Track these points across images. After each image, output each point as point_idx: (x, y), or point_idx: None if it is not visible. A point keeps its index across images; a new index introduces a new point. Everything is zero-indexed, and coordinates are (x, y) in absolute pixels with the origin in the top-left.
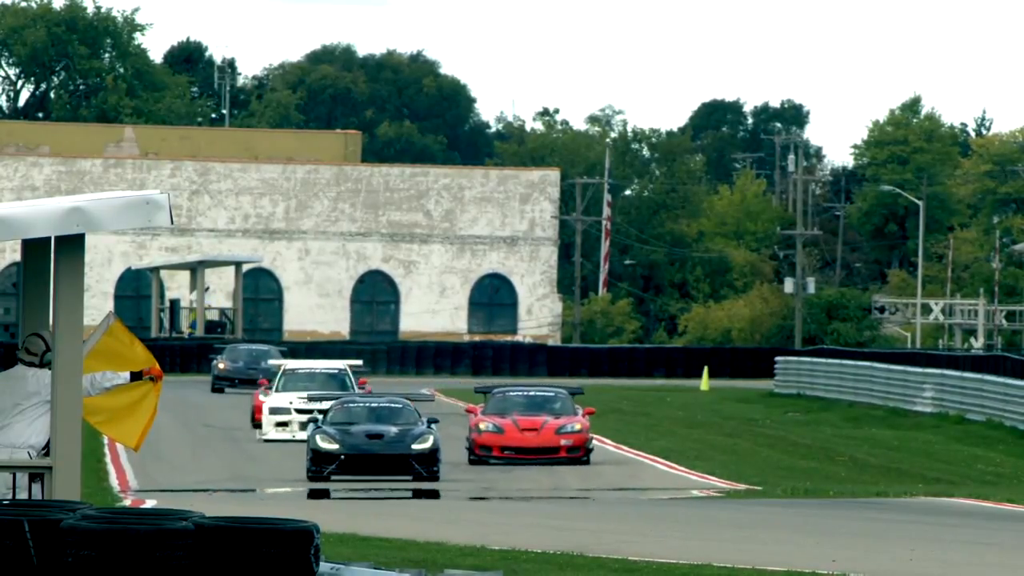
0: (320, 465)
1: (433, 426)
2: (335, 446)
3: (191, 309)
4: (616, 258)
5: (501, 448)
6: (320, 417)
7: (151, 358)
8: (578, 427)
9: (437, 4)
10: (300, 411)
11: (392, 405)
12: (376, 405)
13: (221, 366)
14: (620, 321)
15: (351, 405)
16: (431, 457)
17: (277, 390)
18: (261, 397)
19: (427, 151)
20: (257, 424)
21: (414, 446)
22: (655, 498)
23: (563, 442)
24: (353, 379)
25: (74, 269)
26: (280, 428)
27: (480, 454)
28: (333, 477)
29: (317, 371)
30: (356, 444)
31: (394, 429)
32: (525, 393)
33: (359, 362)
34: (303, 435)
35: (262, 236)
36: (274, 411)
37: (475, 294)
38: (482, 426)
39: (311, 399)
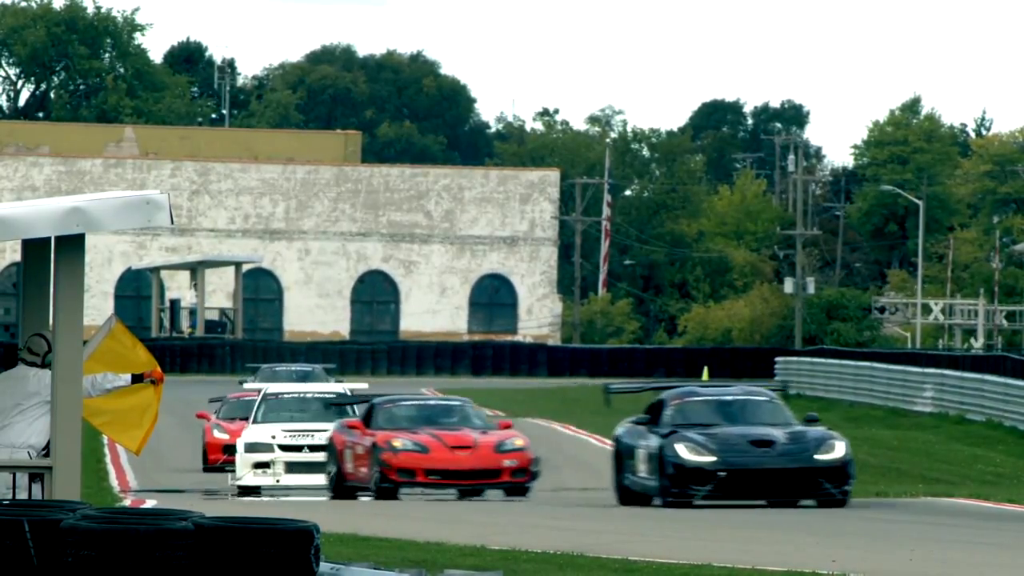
0: (686, 485)
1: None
2: (711, 458)
3: (191, 311)
4: (616, 258)
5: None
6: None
7: (152, 361)
8: (519, 443)
9: (437, 4)
10: (286, 448)
11: (754, 397)
12: (732, 398)
13: None
14: (620, 321)
15: (697, 398)
16: (842, 472)
17: (256, 421)
18: (216, 433)
19: (427, 151)
20: (213, 467)
21: (818, 456)
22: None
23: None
24: (356, 405)
25: (74, 269)
26: (259, 471)
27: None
28: (701, 502)
29: (309, 396)
30: (737, 456)
31: (779, 432)
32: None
33: (364, 386)
34: (294, 479)
35: (262, 236)
36: (252, 448)
37: (475, 294)
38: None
39: (295, 433)
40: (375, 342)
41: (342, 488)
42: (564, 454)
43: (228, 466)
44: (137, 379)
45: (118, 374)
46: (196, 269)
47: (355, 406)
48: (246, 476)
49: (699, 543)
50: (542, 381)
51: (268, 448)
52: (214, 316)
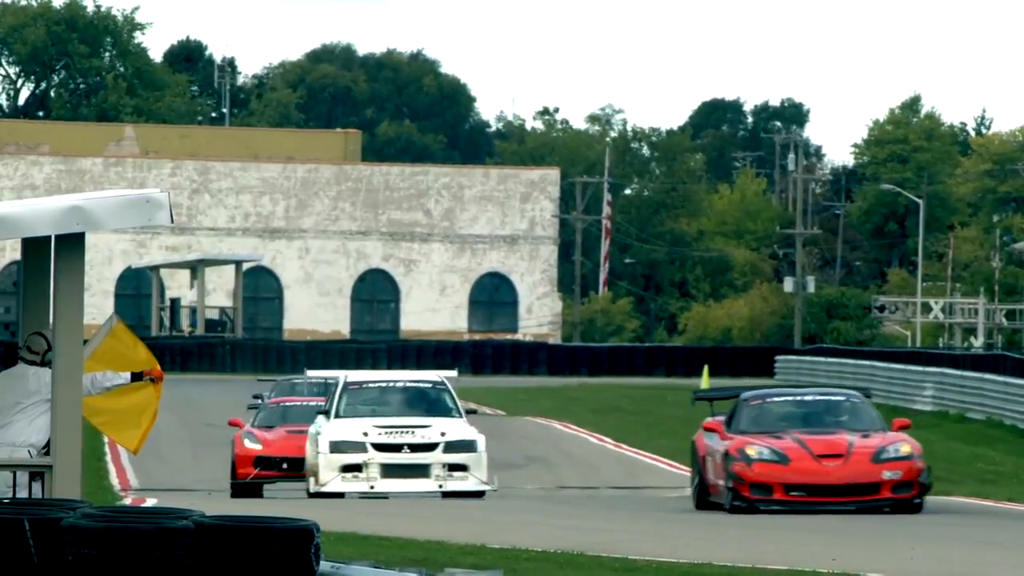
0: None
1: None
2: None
3: (192, 310)
4: (616, 257)
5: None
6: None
7: (153, 360)
8: (906, 449)
9: (437, 3)
10: (382, 447)
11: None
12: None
13: None
14: (620, 320)
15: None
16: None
17: (338, 414)
18: (248, 443)
19: (427, 150)
20: (244, 485)
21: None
22: (655, 497)
23: (886, 474)
24: (455, 397)
25: (74, 268)
26: (349, 475)
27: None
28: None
29: (400, 385)
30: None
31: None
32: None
33: (453, 373)
34: (391, 484)
35: (262, 235)
36: (338, 448)
37: (475, 293)
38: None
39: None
40: (375, 341)
41: (706, 502)
42: (564, 453)
43: (261, 482)
44: (137, 377)
45: (118, 372)
46: (196, 268)
47: (450, 392)
48: (332, 481)
49: (699, 542)
50: (542, 380)
51: (359, 448)
52: (214, 315)
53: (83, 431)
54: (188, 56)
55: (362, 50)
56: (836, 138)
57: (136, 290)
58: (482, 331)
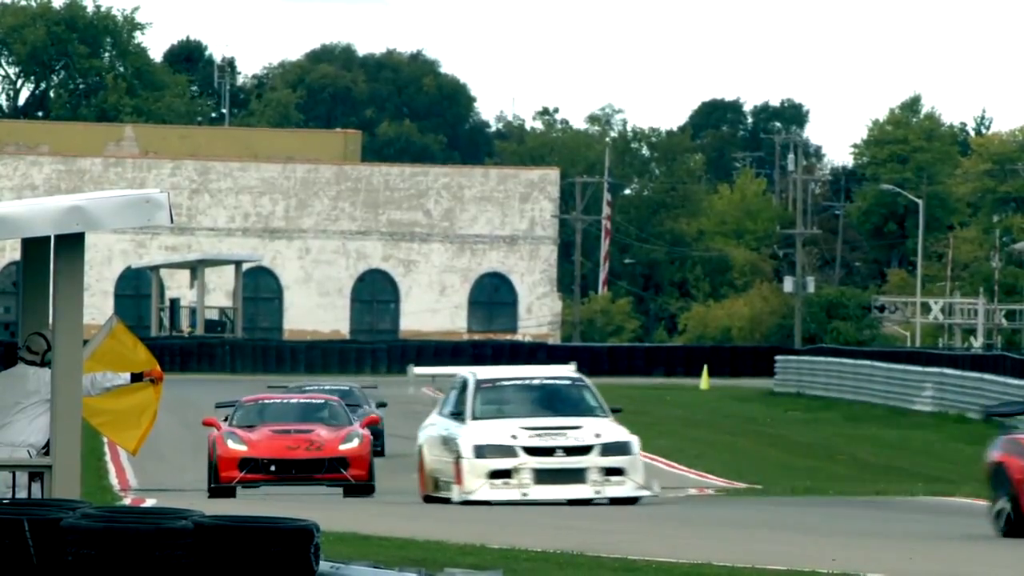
0: None
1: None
2: None
3: (191, 310)
4: (616, 257)
5: None
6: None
7: (153, 360)
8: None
9: (437, 3)
10: (533, 451)
11: None
12: None
13: None
14: (620, 320)
15: None
16: None
17: (475, 416)
18: (231, 444)
19: (427, 150)
20: (222, 488)
21: None
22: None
23: None
24: (597, 394)
25: (74, 268)
26: (498, 481)
27: None
28: None
29: (537, 382)
30: None
31: None
32: None
33: (572, 368)
34: (544, 491)
35: (262, 235)
36: (484, 452)
37: (475, 293)
38: None
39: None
40: (375, 341)
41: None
42: None
43: (245, 485)
44: (136, 378)
45: (118, 373)
46: (196, 268)
47: (591, 390)
48: (480, 489)
49: (699, 542)
50: None
51: (508, 452)
52: (214, 315)
53: (83, 431)
54: (188, 56)
55: (362, 50)
56: (836, 138)
57: (136, 290)
58: (482, 331)
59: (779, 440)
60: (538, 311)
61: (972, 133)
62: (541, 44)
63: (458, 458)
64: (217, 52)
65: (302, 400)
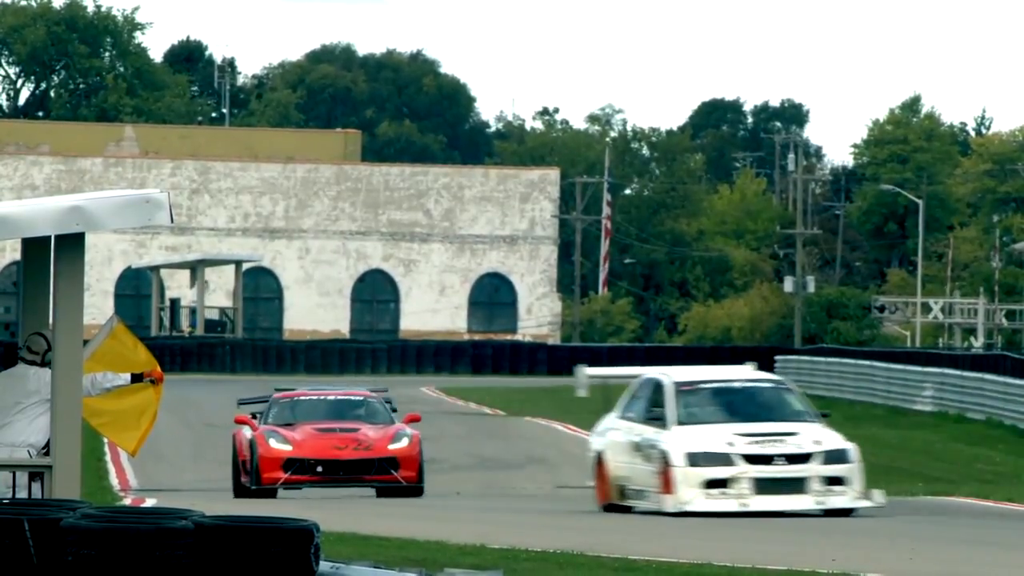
0: None
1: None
2: None
3: (191, 310)
4: (616, 257)
5: None
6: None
7: (153, 361)
8: None
9: (437, 3)
10: (752, 459)
11: None
12: None
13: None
14: (620, 320)
15: None
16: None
17: (680, 421)
18: (274, 443)
19: (427, 150)
20: (267, 488)
21: None
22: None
23: None
24: (803, 398)
25: (74, 268)
26: (716, 491)
27: None
28: None
29: (735, 385)
30: None
31: None
32: None
33: (749, 368)
34: (765, 502)
35: (262, 235)
36: (699, 460)
37: (475, 293)
38: None
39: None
40: (375, 341)
41: None
42: (564, 452)
43: (288, 487)
44: (137, 379)
45: (118, 373)
46: (196, 268)
47: (793, 393)
48: (695, 500)
49: (699, 542)
50: (542, 380)
51: (725, 460)
52: (214, 315)
53: (83, 431)
54: (188, 56)
55: (362, 50)
56: (836, 138)
57: (136, 290)
58: (482, 331)
59: None
60: (538, 311)
61: (972, 133)
62: (541, 44)
63: (666, 466)
64: (217, 52)
65: (339, 396)
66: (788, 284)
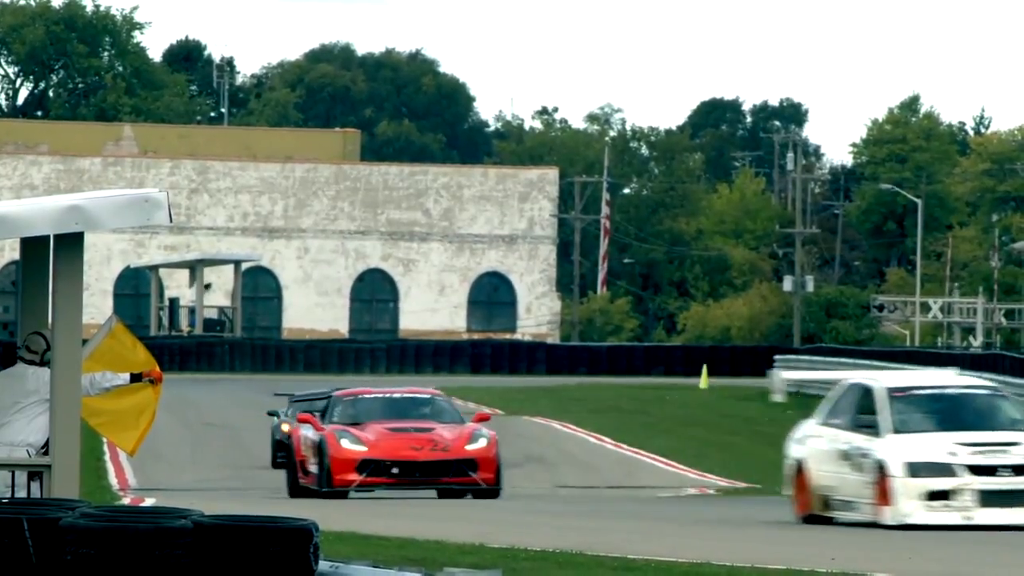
0: None
1: None
2: None
3: (190, 309)
4: (615, 256)
5: None
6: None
7: (152, 361)
8: None
9: (436, 3)
10: (976, 469)
11: None
12: None
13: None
14: (619, 319)
15: None
16: None
17: (895, 429)
18: (347, 443)
19: (426, 150)
20: (338, 490)
21: None
22: (654, 496)
23: None
24: (1017, 404)
25: (73, 267)
26: (937, 503)
27: None
28: None
29: (948, 392)
30: None
31: None
32: None
33: (955, 372)
34: (991, 515)
35: (261, 234)
36: (919, 470)
37: (474, 292)
38: None
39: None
40: (374, 340)
41: None
42: (563, 452)
43: (360, 489)
44: (136, 378)
45: (117, 373)
46: (195, 267)
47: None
48: (916, 512)
49: (698, 541)
50: (541, 379)
51: (947, 470)
52: (213, 315)
53: (82, 431)
54: (187, 56)
55: (361, 50)
56: (835, 138)
57: (135, 290)
58: (481, 331)
59: (778, 440)
60: (537, 311)
61: (971, 132)
62: (540, 44)
63: (883, 476)
64: (216, 52)
65: (405, 394)
66: (787, 283)
